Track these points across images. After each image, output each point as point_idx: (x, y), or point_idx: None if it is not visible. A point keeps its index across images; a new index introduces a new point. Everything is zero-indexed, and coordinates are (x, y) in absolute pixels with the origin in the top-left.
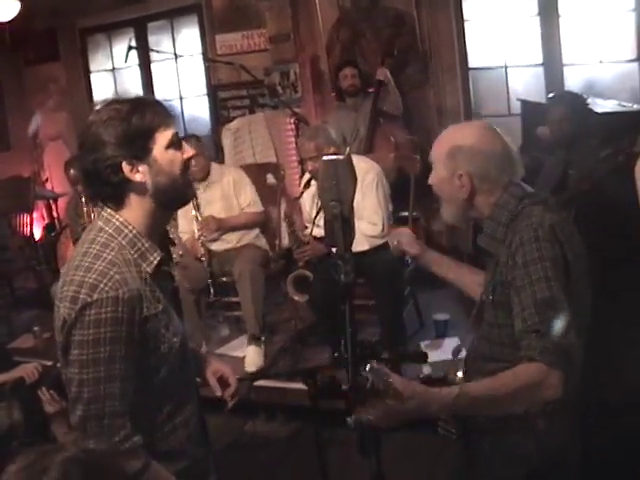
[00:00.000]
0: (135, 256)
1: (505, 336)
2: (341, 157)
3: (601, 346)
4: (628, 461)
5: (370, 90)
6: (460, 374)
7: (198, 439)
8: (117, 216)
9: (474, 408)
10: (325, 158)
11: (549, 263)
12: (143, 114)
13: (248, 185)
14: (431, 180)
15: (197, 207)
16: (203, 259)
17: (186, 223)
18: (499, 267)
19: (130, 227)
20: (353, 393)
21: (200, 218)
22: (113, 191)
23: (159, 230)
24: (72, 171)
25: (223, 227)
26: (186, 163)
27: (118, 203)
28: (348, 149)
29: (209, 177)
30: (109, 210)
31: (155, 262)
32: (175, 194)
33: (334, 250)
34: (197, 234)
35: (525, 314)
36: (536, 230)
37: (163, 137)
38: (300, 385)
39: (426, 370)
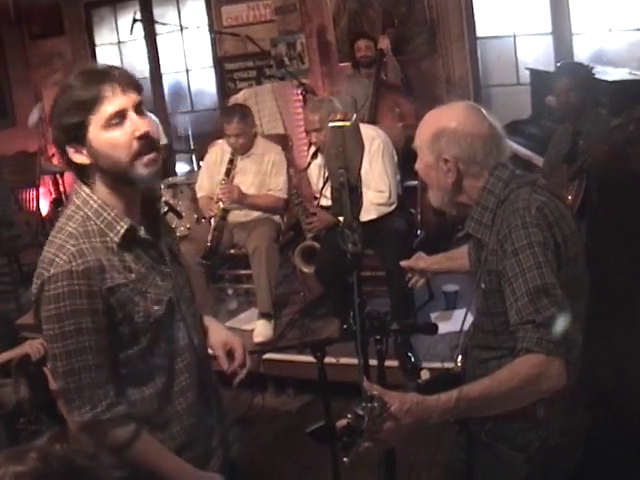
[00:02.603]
0: (102, 226)
1: (498, 324)
2: (348, 124)
3: (604, 327)
4: (630, 450)
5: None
6: (424, 375)
7: (202, 411)
8: (84, 188)
9: (476, 410)
10: (332, 124)
11: (539, 249)
12: (70, 95)
13: (284, 172)
14: (417, 166)
15: (228, 172)
16: (212, 221)
17: (207, 181)
18: (488, 255)
19: (95, 198)
20: (349, 437)
21: (226, 183)
22: (75, 168)
23: (134, 199)
24: None
25: (244, 202)
26: (140, 139)
27: (83, 178)
28: (355, 116)
29: (251, 149)
30: (79, 183)
31: (122, 231)
32: (124, 176)
33: (341, 219)
34: (217, 196)
35: (519, 305)
36: (523, 216)
37: (97, 118)
38: (309, 358)
39: (424, 376)
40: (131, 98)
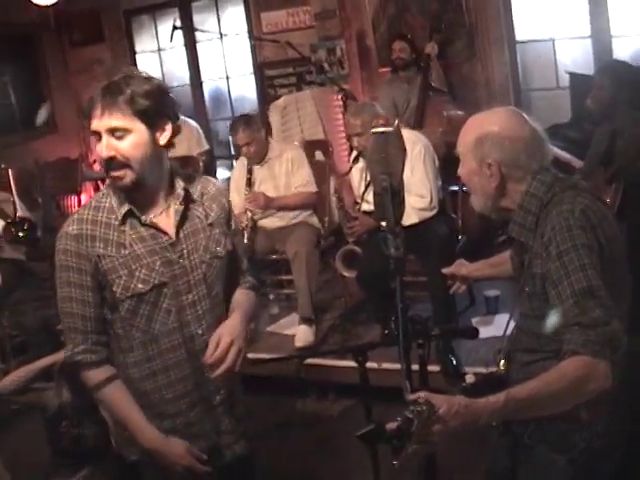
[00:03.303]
0: (113, 204)
1: (542, 327)
2: (390, 129)
3: None
4: None
5: (422, 64)
6: (469, 378)
7: (188, 397)
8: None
9: (523, 412)
10: (374, 130)
11: (583, 251)
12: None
13: (305, 165)
14: (460, 172)
15: (248, 182)
16: (245, 232)
17: (238, 197)
18: (532, 258)
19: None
20: (399, 440)
21: (249, 193)
22: None
23: (144, 195)
24: None
25: (272, 206)
26: (104, 160)
27: None
28: (397, 121)
29: (267, 155)
30: None
31: (120, 215)
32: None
33: (383, 224)
34: (244, 207)
35: (564, 307)
36: (567, 219)
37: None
38: (350, 362)
39: (470, 379)
40: (105, 123)
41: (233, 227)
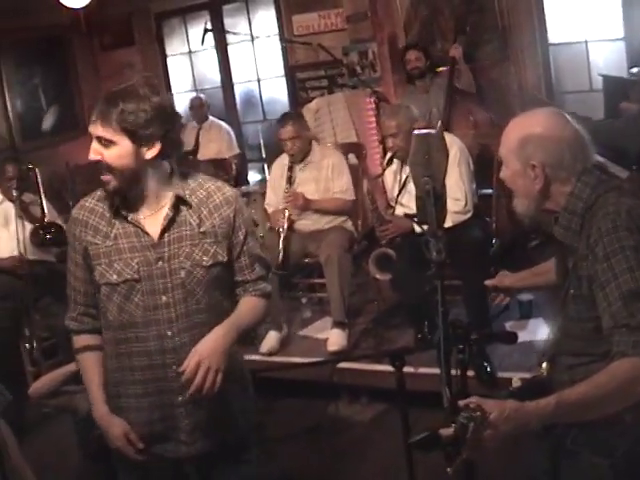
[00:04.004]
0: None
1: (587, 330)
2: (433, 131)
3: None
4: None
5: (439, 70)
6: (515, 383)
7: (148, 385)
8: None
9: (573, 415)
10: (417, 132)
11: (630, 252)
12: None
13: (346, 172)
14: (503, 174)
15: (289, 180)
16: (281, 231)
17: (274, 196)
18: (578, 260)
19: None
20: (453, 446)
21: (289, 191)
22: None
23: (136, 193)
24: None
25: (310, 208)
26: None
27: None
28: (440, 123)
29: (308, 157)
30: None
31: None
32: None
33: (425, 227)
34: (282, 205)
35: (612, 309)
36: (614, 220)
37: None
38: (383, 367)
39: (516, 383)
40: (95, 130)
41: (241, 237)
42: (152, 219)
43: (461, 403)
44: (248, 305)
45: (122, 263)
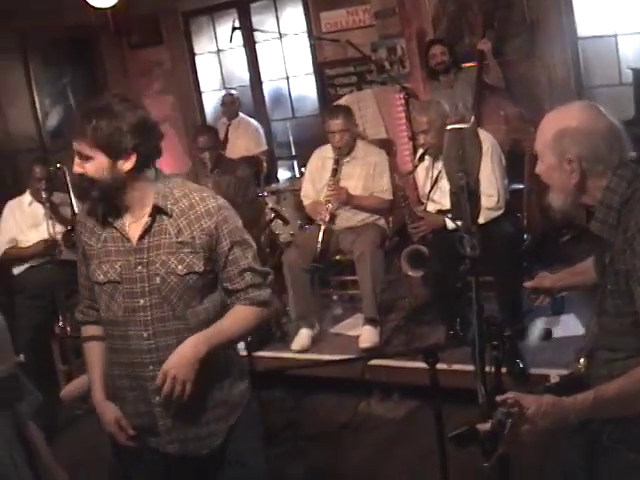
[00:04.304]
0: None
1: (625, 325)
2: (467, 126)
3: None
4: None
5: (465, 65)
6: (553, 378)
7: (128, 380)
8: None
9: (610, 410)
10: (450, 127)
11: None
12: None
13: (387, 171)
14: (538, 169)
15: (334, 173)
16: (322, 225)
17: (312, 189)
18: (615, 255)
19: None
20: (490, 441)
21: (333, 184)
22: None
23: (123, 200)
24: (202, 138)
25: (351, 203)
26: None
27: None
28: (473, 118)
29: (353, 152)
30: None
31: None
32: None
33: (459, 223)
34: (325, 198)
35: None
36: None
37: None
38: (416, 363)
39: (554, 379)
40: (75, 146)
41: (225, 248)
42: (135, 226)
43: (498, 398)
44: (234, 314)
45: (108, 265)
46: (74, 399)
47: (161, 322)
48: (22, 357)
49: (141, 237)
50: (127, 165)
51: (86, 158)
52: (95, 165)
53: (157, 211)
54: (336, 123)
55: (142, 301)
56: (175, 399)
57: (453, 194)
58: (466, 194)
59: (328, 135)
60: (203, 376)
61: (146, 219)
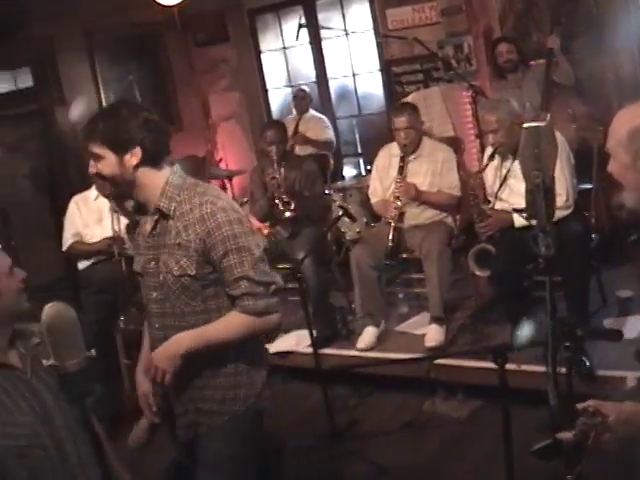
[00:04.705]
0: None
1: None
2: (543, 124)
3: None
4: None
5: (532, 63)
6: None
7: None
8: None
9: None
10: (526, 125)
11: None
12: None
13: (455, 168)
14: (611, 168)
15: (401, 170)
16: (392, 222)
17: (379, 185)
18: None
19: None
20: (574, 453)
21: (401, 181)
22: None
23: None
24: (270, 132)
25: (419, 199)
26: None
27: None
28: (549, 116)
29: (418, 150)
30: None
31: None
32: None
33: (534, 222)
34: (393, 195)
35: None
36: None
37: None
38: (481, 363)
39: (630, 383)
40: (88, 148)
41: (219, 254)
42: (149, 223)
43: (579, 406)
44: (226, 319)
45: (137, 258)
46: (141, 444)
47: (165, 317)
48: (93, 352)
49: (150, 235)
50: (133, 160)
51: (97, 158)
52: (105, 163)
53: (159, 212)
54: (401, 120)
55: (154, 294)
56: (157, 385)
57: (529, 192)
58: (542, 192)
59: (394, 133)
60: (203, 361)
61: (154, 218)
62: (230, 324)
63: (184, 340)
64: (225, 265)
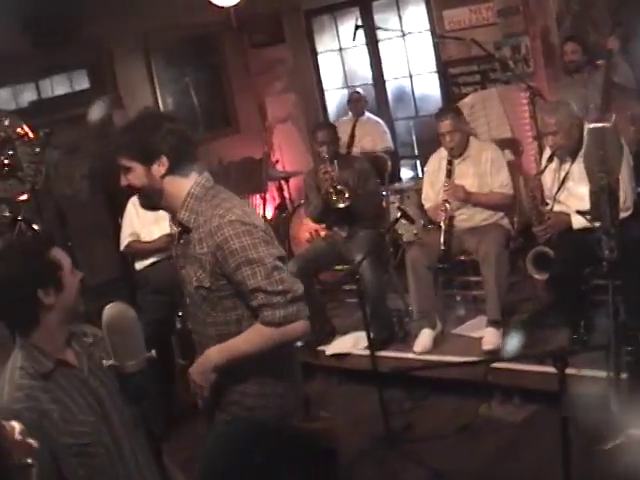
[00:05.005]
0: None
1: None
2: (608, 125)
3: None
4: None
5: (598, 62)
6: None
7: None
8: None
9: None
10: (591, 126)
11: None
12: None
13: (504, 166)
14: None
15: (448, 174)
16: (442, 225)
17: (431, 191)
18: None
19: None
20: None
21: (448, 184)
22: None
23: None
24: (321, 132)
25: (469, 200)
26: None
27: None
28: (614, 116)
29: (466, 152)
30: None
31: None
32: None
33: (597, 224)
34: (442, 198)
35: None
36: None
37: None
38: (538, 367)
39: None
40: (118, 161)
41: (231, 267)
42: (177, 234)
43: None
44: (250, 331)
45: (175, 264)
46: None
47: (195, 324)
48: (153, 352)
49: (178, 244)
50: (161, 169)
51: (127, 170)
52: (134, 175)
53: (180, 224)
54: (445, 124)
55: (188, 301)
56: (199, 397)
57: (593, 194)
58: (606, 195)
59: (440, 137)
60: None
61: (178, 229)
62: (253, 336)
63: (213, 355)
64: (239, 278)
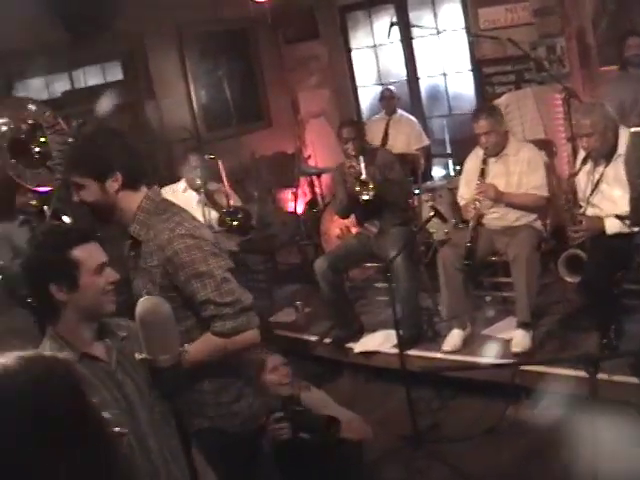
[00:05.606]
0: None
1: None
2: None
3: None
4: None
5: None
6: None
7: None
8: None
9: None
10: (634, 130)
11: None
12: None
13: (541, 167)
14: None
15: (482, 173)
16: (471, 222)
17: (467, 189)
18: None
19: None
20: None
21: (481, 183)
22: None
23: None
24: (346, 129)
25: (501, 200)
26: None
27: None
28: None
29: (504, 151)
30: None
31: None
32: None
33: (637, 229)
34: (474, 196)
35: None
36: None
37: None
38: (568, 370)
39: None
40: (70, 178)
41: (181, 280)
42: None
43: None
44: (201, 341)
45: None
46: None
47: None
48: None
49: (129, 256)
50: (115, 185)
51: (79, 187)
52: (88, 191)
53: (130, 237)
54: (480, 125)
55: None
56: None
57: (633, 199)
58: None
59: (477, 137)
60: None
61: (129, 241)
62: (201, 346)
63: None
64: (189, 290)
